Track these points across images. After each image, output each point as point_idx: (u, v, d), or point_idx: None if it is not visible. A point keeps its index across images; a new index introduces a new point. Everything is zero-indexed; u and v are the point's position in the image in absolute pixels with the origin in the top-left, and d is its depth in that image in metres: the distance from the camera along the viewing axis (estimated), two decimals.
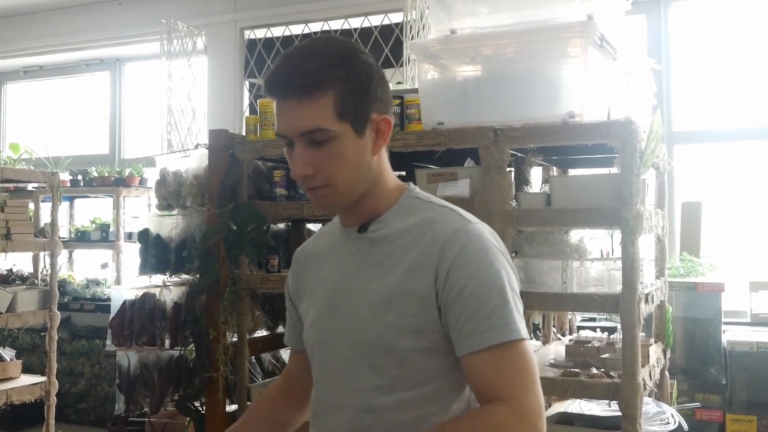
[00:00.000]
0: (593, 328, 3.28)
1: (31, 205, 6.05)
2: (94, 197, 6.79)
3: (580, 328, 3.51)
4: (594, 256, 2.69)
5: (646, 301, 2.62)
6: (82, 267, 6.89)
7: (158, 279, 3.14)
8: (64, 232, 6.51)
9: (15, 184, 5.53)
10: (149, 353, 3.08)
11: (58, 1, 6.66)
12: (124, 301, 3.11)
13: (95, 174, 6.55)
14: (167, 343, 3.03)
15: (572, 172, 3.32)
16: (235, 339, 2.97)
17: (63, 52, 7.07)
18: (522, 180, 2.91)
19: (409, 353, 1.22)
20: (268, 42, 6.11)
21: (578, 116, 2.48)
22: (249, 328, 3.02)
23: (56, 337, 4.16)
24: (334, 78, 1.20)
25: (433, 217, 1.28)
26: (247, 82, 6.19)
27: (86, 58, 7.29)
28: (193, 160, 3.05)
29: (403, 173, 2.96)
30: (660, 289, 3.15)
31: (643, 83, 2.86)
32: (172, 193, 3.14)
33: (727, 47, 4.88)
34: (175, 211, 3.04)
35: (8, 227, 3.98)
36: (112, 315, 3.19)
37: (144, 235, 3.08)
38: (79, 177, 6.61)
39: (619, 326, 2.46)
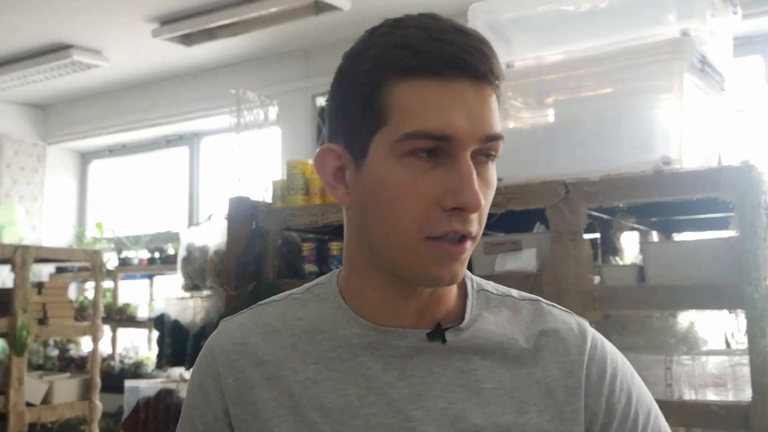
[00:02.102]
0: None
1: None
2: (170, 274, 6.56)
3: None
4: (711, 345, 2.04)
5: None
6: None
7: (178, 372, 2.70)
8: (143, 312, 6.29)
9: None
10: None
11: (136, 79, 6.58)
12: (138, 400, 2.66)
13: (171, 251, 6.36)
14: None
15: (678, 237, 2.67)
16: None
17: (143, 128, 6.99)
18: (610, 249, 2.30)
19: None
20: None
21: (675, 162, 1.89)
22: None
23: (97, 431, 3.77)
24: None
25: (534, 318, 0.90)
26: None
27: (166, 134, 7.20)
28: (217, 233, 2.62)
29: None
30: None
31: (764, 120, 2.24)
32: (197, 271, 2.70)
33: None
34: (203, 293, 2.61)
35: (45, 310, 3.66)
36: (125, 414, 2.75)
37: (160, 321, 2.64)
38: (156, 254, 6.45)
39: None
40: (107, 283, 6.24)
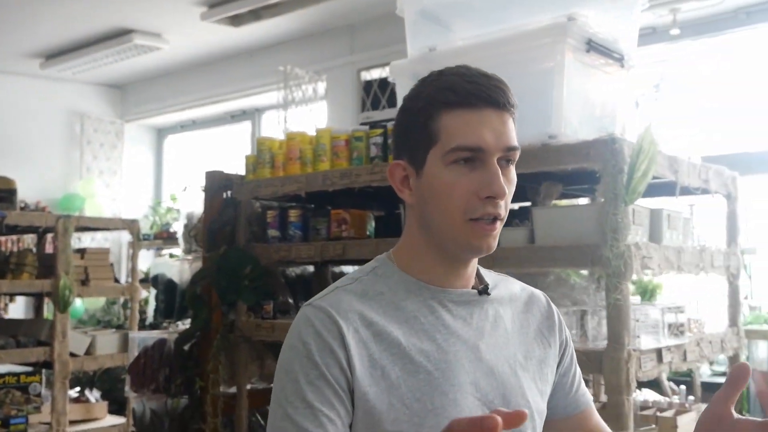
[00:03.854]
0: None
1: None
2: None
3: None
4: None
5: (659, 360, 2.12)
6: None
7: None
8: None
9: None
10: (161, 401, 2.99)
11: (196, 59, 7.02)
12: (142, 347, 3.06)
13: None
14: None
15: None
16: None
17: (208, 105, 7.44)
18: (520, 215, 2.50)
19: (543, 417, 1.24)
20: (383, 82, 6.02)
21: (560, 137, 2.08)
22: (253, 377, 2.84)
23: None
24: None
25: (508, 280, 1.29)
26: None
27: (230, 109, 7.63)
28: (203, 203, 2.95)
29: (382, 213, 2.67)
30: (723, 341, 2.57)
31: (677, 97, 2.37)
32: (194, 236, 3.06)
33: None
34: (189, 256, 2.96)
35: (87, 273, 4.13)
36: (129, 361, 3.15)
37: (155, 280, 3.01)
38: None
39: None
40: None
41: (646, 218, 2.14)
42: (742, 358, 2.79)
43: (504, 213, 1.12)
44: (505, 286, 1.25)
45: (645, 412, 2.64)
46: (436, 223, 1.13)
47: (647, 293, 4.04)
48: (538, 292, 1.30)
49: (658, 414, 2.60)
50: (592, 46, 2.12)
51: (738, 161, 4.42)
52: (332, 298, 1.14)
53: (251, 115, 7.63)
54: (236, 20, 5.92)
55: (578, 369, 1.31)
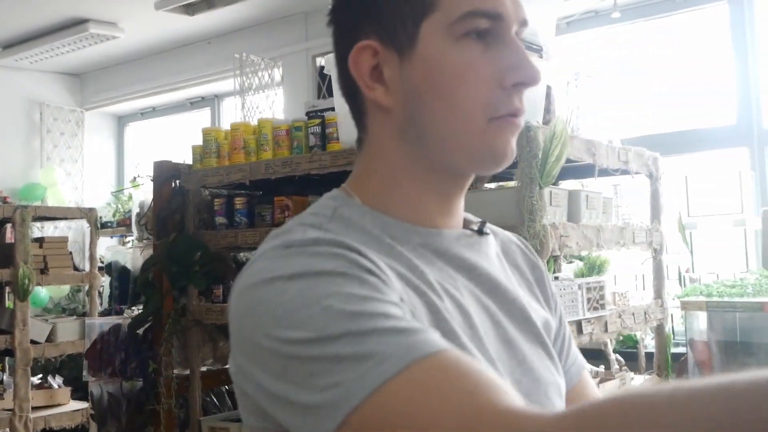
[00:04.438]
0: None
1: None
2: None
3: None
4: None
5: (579, 331, 2.28)
6: None
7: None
8: None
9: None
10: (117, 384, 3.11)
11: (155, 47, 7.06)
12: (98, 333, 3.17)
13: None
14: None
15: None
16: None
17: (167, 92, 7.49)
18: None
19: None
20: None
21: None
22: (207, 360, 2.97)
23: None
24: None
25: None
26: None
27: (189, 96, 7.68)
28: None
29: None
30: (646, 313, 2.75)
31: (596, 87, 2.52)
32: (144, 224, 3.16)
33: None
34: (141, 243, 3.06)
35: (46, 261, 4.21)
36: (86, 346, 3.26)
37: (109, 267, 3.12)
38: None
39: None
40: None
41: (564, 199, 2.29)
42: (667, 329, 2.97)
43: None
44: (490, 227, 0.97)
45: None
46: (437, 128, 0.80)
47: (596, 268, 4.25)
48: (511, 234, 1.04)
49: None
50: None
51: (682, 139, 4.63)
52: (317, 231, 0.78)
53: (210, 101, 7.70)
54: (190, 8, 5.98)
55: (568, 330, 1.02)
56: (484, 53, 0.78)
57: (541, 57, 2.39)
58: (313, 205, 0.84)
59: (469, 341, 0.78)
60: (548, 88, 2.48)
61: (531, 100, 2.39)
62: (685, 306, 4.38)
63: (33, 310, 6.56)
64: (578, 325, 2.30)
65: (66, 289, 7.00)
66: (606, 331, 2.47)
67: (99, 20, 6.23)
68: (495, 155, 0.81)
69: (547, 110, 2.49)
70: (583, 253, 4.22)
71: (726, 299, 4.39)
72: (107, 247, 3.10)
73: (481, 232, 0.91)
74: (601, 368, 3.08)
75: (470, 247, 0.87)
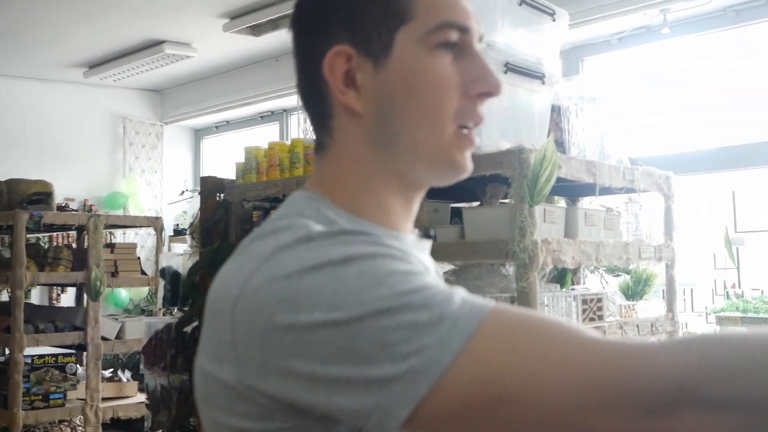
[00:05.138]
0: None
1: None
2: None
3: None
4: None
5: None
6: None
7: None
8: None
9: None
10: (169, 377, 3.43)
11: (227, 65, 7.48)
12: (153, 331, 3.50)
13: None
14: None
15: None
16: None
17: (239, 107, 7.91)
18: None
19: None
20: None
21: (483, 148, 2.42)
22: None
23: None
24: None
25: None
26: None
27: (260, 111, 8.09)
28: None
29: None
30: (653, 325, 2.88)
31: (602, 111, 2.69)
32: (191, 233, 3.48)
33: None
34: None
35: (116, 265, 4.61)
36: (143, 343, 3.60)
37: (162, 272, 3.46)
38: None
39: None
40: None
41: (561, 216, 2.47)
42: None
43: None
44: None
45: None
46: (409, 134, 0.83)
47: (641, 282, 4.36)
48: None
49: None
50: (510, 67, 2.45)
51: (731, 154, 4.68)
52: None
53: (279, 116, 8.09)
54: (256, 29, 6.35)
55: None
56: (452, 64, 0.82)
57: (543, 83, 2.59)
58: (292, 205, 0.85)
59: None
60: (557, 108, 2.66)
61: (530, 123, 2.59)
62: (721, 321, 4.45)
63: (114, 311, 7.08)
64: None
65: (145, 291, 7.48)
66: None
67: (173, 41, 6.68)
68: (457, 165, 0.84)
69: (558, 127, 2.68)
70: (631, 267, 4.34)
71: (762, 315, 4.43)
72: (162, 254, 3.43)
73: (427, 236, 0.97)
74: None
75: (423, 250, 0.92)
